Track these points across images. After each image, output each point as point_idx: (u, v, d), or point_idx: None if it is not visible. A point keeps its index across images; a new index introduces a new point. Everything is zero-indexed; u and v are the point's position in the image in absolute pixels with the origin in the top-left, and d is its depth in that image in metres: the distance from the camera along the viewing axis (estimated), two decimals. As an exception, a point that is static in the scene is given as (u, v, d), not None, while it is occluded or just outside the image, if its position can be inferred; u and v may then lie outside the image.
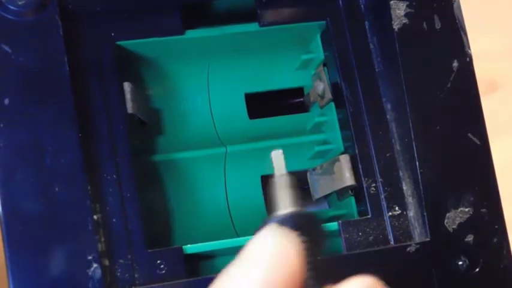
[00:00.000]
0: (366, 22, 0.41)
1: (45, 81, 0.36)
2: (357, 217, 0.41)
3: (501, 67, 0.74)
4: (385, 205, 0.39)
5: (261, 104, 0.45)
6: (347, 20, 0.41)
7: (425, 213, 0.39)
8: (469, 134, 0.40)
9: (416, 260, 0.38)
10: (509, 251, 0.39)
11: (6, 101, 0.36)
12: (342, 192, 0.42)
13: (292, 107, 0.45)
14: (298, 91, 0.45)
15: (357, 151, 0.40)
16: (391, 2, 0.40)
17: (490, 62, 0.72)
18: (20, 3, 0.37)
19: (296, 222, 0.28)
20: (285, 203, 0.29)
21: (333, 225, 0.39)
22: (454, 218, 0.39)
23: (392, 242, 0.39)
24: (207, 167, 0.43)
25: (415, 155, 0.39)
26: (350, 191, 0.41)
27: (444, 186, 0.39)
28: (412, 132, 0.39)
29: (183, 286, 0.36)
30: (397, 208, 0.39)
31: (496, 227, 0.39)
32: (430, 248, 0.38)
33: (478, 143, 0.40)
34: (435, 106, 0.40)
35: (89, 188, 0.36)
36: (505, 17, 0.76)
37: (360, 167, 0.40)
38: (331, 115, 0.42)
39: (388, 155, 0.40)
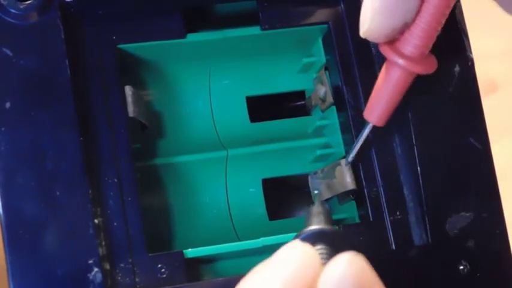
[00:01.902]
0: (368, 26, 0.41)
1: (46, 84, 0.36)
2: (357, 221, 0.41)
3: (501, 68, 0.74)
4: (386, 209, 0.39)
5: (262, 108, 0.45)
6: (349, 23, 0.41)
7: (426, 218, 0.39)
8: (471, 139, 0.40)
9: (417, 265, 0.39)
10: (510, 255, 0.39)
11: (8, 105, 0.36)
12: (343, 196, 0.42)
13: (293, 110, 0.45)
14: (300, 94, 0.45)
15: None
16: (393, 6, 0.40)
17: (490, 63, 0.72)
18: (21, 6, 0.37)
19: (318, 237, 0.33)
20: (314, 223, 0.35)
21: (334, 229, 0.39)
22: (455, 222, 0.39)
23: (393, 246, 0.39)
24: (208, 170, 0.42)
25: (416, 159, 0.39)
26: (351, 195, 0.41)
27: (445, 190, 0.39)
28: (413, 137, 0.39)
29: (184, 290, 0.36)
30: (398, 212, 0.39)
31: (497, 231, 0.39)
32: (431, 253, 0.38)
33: (480, 147, 0.40)
34: (436, 110, 0.40)
35: (90, 191, 0.36)
36: (505, 18, 0.76)
37: (361, 171, 0.40)
38: (332, 119, 0.42)
39: (389, 159, 0.40)
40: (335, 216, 0.43)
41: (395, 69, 0.36)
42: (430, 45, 0.36)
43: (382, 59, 0.41)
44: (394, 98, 0.37)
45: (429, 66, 0.37)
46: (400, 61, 0.36)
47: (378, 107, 0.37)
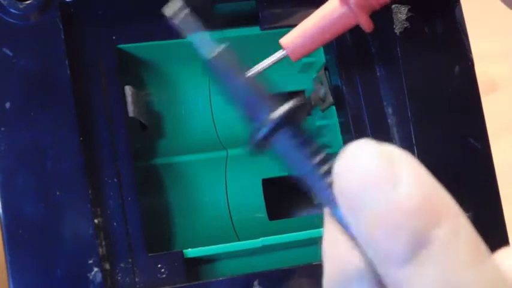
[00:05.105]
0: (367, 26, 0.41)
1: (46, 84, 0.36)
2: (357, 221, 0.41)
3: (501, 68, 0.74)
4: (386, 209, 0.39)
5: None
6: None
7: (426, 218, 0.39)
8: (470, 138, 0.40)
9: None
10: (510, 255, 0.39)
11: (8, 105, 0.36)
12: (342, 196, 0.41)
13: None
14: (299, 94, 0.45)
15: (357, 155, 0.40)
16: (393, 6, 0.40)
17: (490, 63, 0.72)
18: (21, 6, 0.37)
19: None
20: None
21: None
22: (455, 222, 0.39)
23: (393, 246, 0.39)
24: (208, 170, 0.42)
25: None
26: (351, 195, 0.41)
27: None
28: (413, 137, 0.39)
29: (184, 290, 0.36)
30: (398, 212, 0.39)
31: (497, 231, 0.39)
32: (431, 253, 0.38)
33: (479, 147, 0.40)
34: (436, 110, 0.40)
35: (90, 191, 0.36)
36: (505, 18, 0.76)
37: (360, 171, 0.40)
38: (332, 119, 0.42)
39: (389, 159, 0.40)
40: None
41: (344, 7, 0.36)
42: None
43: (382, 59, 0.41)
44: (323, 34, 0.37)
45: (368, 24, 0.37)
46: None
47: (300, 37, 0.37)
